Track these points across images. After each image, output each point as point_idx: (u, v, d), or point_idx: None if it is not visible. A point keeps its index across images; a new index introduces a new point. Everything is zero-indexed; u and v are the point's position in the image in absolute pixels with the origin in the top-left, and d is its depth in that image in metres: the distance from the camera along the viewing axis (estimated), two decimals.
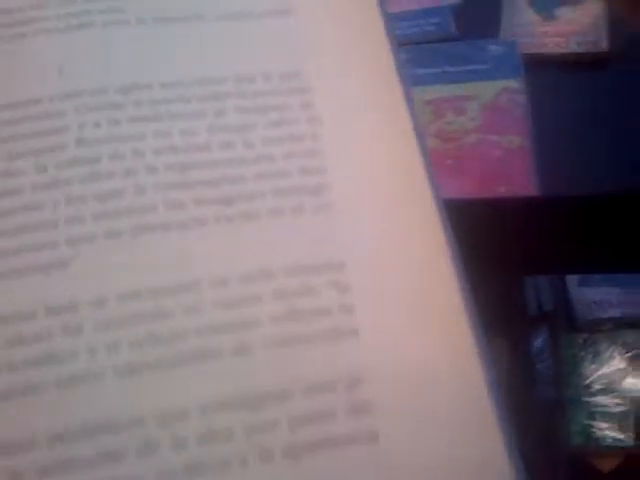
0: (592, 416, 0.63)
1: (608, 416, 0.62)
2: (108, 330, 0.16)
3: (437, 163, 0.48)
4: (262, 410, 0.15)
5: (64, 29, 0.21)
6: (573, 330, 0.67)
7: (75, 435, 0.15)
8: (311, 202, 0.18)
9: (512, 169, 0.46)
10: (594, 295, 0.67)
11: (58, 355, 0.16)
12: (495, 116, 0.49)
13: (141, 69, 0.20)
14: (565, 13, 0.62)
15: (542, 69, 0.57)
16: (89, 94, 0.20)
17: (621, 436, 0.61)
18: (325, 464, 0.15)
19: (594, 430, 0.62)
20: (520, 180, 0.45)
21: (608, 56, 0.58)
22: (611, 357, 0.65)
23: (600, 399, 0.64)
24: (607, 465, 0.60)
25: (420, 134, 0.19)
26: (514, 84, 0.50)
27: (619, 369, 0.64)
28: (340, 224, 0.18)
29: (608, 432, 0.62)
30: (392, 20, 0.69)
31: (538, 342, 0.89)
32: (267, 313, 0.16)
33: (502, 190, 0.45)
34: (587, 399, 0.64)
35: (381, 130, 0.20)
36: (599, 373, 0.65)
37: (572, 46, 0.59)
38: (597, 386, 0.64)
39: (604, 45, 0.58)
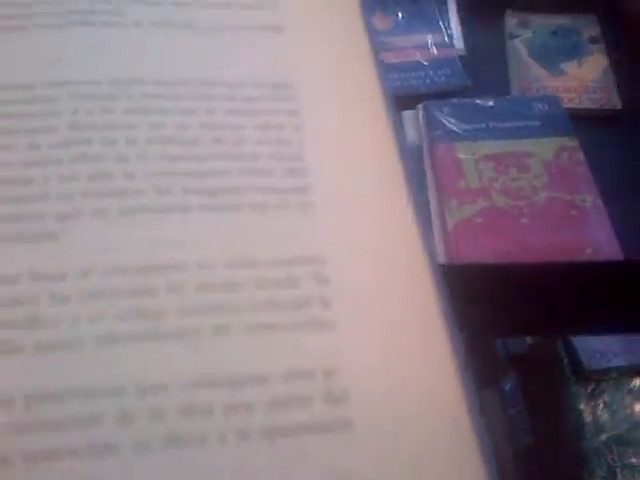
0: (611, 470, 0.63)
1: (628, 469, 0.62)
2: (93, 301, 0.17)
3: (511, 221, 0.46)
4: (241, 391, 0.15)
5: (64, 25, 0.22)
6: (580, 380, 0.67)
7: (51, 397, 0.15)
8: (294, 200, 0.19)
9: (595, 229, 0.45)
10: (597, 345, 0.68)
11: (40, 320, 0.16)
12: (560, 174, 0.48)
13: (135, 66, 0.21)
14: (571, 68, 0.63)
15: None
16: (84, 84, 0.20)
17: None
18: (300, 447, 0.15)
19: None
20: (606, 241, 0.44)
21: (622, 113, 0.60)
22: (621, 406, 0.66)
23: (617, 450, 0.64)
24: None
25: (401, 146, 0.20)
26: (571, 142, 0.49)
27: (630, 418, 0.65)
28: (322, 222, 0.19)
29: None
30: (400, 70, 0.64)
31: (508, 386, 0.90)
32: (248, 301, 0.17)
33: (589, 252, 0.44)
34: (603, 452, 0.64)
35: (362, 141, 0.21)
36: (611, 425, 0.65)
37: (585, 102, 0.60)
38: (610, 437, 0.64)
39: (617, 103, 0.60)
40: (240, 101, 0.21)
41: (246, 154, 0.19)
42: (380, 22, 0.68)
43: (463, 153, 0.49)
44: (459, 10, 0.67)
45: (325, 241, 0.18)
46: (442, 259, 0.47)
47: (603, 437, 0.64)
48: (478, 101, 0.54)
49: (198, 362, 0.16)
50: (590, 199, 0.46)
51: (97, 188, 0.18)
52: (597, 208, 0.46)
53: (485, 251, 0.45)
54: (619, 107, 0.60)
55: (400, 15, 0.68)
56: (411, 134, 0.54)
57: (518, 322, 0.46)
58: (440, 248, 0.47)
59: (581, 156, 0.49)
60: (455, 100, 0.54)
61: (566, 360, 0.69)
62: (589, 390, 0.67)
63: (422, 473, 0.15)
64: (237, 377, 0.16)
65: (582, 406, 0.66)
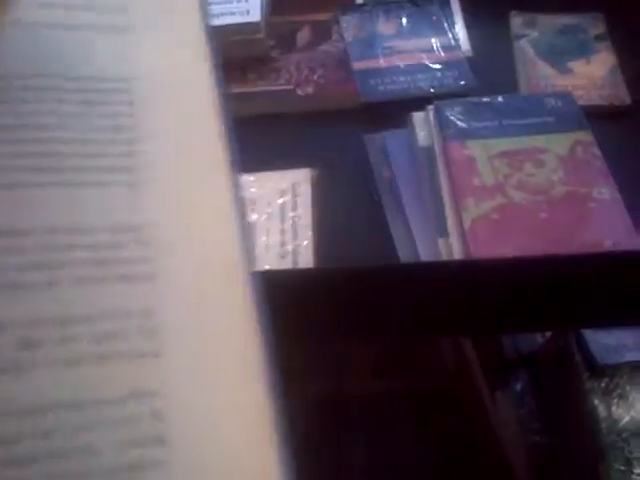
0: (629, 463, 0.63)
1: None
2: None
3: (529, 216, 0.46)
4: (68, 327, 0.18)
5: None
6: (594, 376, 0.68)
7: None
8: (123, 178, 0.21)
9: (613, 222, 0.45)
10: (610, 340, 0.68)
11: None
12: (576, 168, 0.48)
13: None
14: (579, 66, 0.63)
15: None
16: None
17: None
18: None
19: (633, 477, 0.62)
20: (625, 232, 0.44)
21: (631, 108, 0.60)
22: (636, 399, 0.66)
23: (634, 444, 0.64)
24: None
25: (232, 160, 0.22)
26: (586, 136, 0.50)
27: None
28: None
29: None
30: (407, 73, 0.63)
31: (518, 387, 0.90)
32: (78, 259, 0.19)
33: (609, 244, 0.44)
34: (620, 445, 0.64)
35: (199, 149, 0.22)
36: (627, 418, 0.65)
37: (595, 99, 0.61)
38: (628, 432, 0.65)
39: (626, 98, 0.60)
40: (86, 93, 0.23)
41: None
42: (384, 26, 0.68)
43: (476, 151, 0.50)
44: (463, 12, 0.68)
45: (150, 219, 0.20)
46: (460, 257, 0.47)
47: (619, 430, 0.64)
48: (489, 99, 0.54)
49: (35, 306, 0.18)
50: (607, 191, 0.47)
51: None
52: (615, 200, 0.46)
53: (504, 247, 0.45)
54: (628, 102, 0.60)
55: (404, 19, 0.69)
56: (422, 136, 0.54)
57: (533, 318, 0.46)
58: (457, 247, 0.47)
59: (596, 150, 0.49)
60: (466, 99, 0.54)
61: (578, 356, 0.70)
62: (603, 385, 0.67)
63: None
64: (66, 317, 0.18)
65: (597, 401, 0.67)
